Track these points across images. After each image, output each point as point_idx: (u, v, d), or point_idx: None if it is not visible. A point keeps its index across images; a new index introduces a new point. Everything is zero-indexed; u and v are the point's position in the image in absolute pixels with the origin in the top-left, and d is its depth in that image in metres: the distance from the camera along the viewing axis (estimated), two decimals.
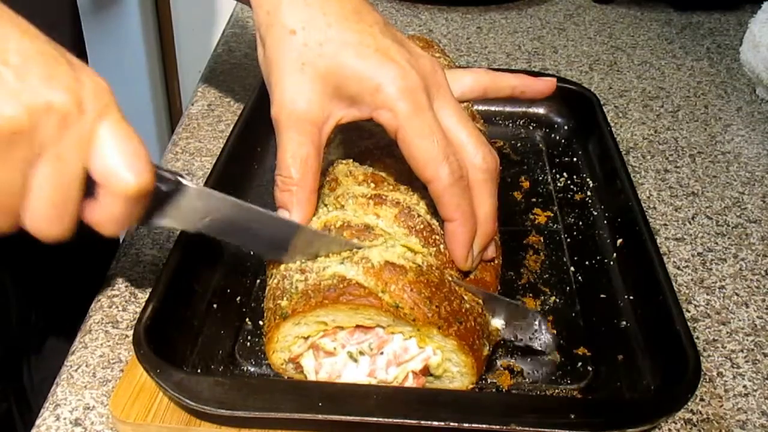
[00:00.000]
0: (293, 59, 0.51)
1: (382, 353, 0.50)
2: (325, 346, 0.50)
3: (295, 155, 0.51)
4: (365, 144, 0.62)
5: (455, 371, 0.51)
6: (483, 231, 0.52)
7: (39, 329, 0.79)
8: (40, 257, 0.79)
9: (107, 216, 0.43)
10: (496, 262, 0.57)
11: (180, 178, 0.47)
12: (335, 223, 0.52)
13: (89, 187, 0.42)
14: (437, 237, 0.53)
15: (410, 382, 0.50)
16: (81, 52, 0.78)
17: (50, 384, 0.82)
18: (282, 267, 0.52)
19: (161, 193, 0.46)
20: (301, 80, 0.51)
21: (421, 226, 0.53)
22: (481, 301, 0.53)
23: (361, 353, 0.50)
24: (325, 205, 0.55)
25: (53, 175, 0.40)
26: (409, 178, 0.56)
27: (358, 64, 0.50)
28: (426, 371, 0.51)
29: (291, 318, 0.49)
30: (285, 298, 0.50)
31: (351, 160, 0.59)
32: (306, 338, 0.51)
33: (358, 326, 0.50)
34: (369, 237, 0.51)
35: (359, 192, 0.55)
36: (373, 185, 0.56)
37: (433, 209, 0.54)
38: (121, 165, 0.42)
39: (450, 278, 0.51)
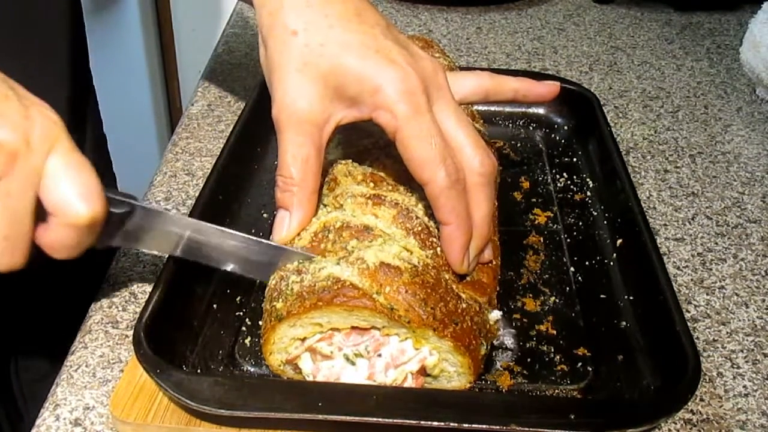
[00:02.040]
0: (294, 60, 0.51)
1: (379, 355, 0.50)
2: (322, 350, 0.50)
3: (296, 156, 0.51)
4: (364, 144, 0.62)
5: (452, 371, 0.51)
6: (479, 234, 0.52)
7: (27, 330, 0.79)
8: (39, 259, 0.79)
9: (60, 242, 0.44)
10: (494, 263, 0.56)
11: (133, 201, 0.48)
12: (334, 223, 0.52)
13: (42, 213, 0.43)
14: (434, 240, 0.53)
15: (409, 383, 0.50)
16: (82, 53, 0.78)
17: (40, 385, 0.81)
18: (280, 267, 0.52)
19: (115, 216, 0.48)
20: (302, 81, 0.51)
21: (419, 228, 0.53)
22: (479, 299, 0.53)
23: (358, 356, 0.50)
24: (325, 206, 0.55)
25: (3, 211, 0.41)
26: (407, 178, 0.56)
27: (358, 65, 0.50)
28: (423, 371, 0.51)
29: (286, 320, 0.49)
30: (280, 300, 0.50)
31: (350, 161, 0.59)
32: (302, 340, 0.51)
33: (354, 328, 0.50)
34: (368, 238, 0.51)
35: (358, 192, 0.55)
36: (372, 185, 0.56)
37: (432, 211, 0.54)
38: (73, 196, 0.42)
39: (447, 277, 0.51)
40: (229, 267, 0.54)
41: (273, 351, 0.51)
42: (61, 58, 0.71)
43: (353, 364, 0.50)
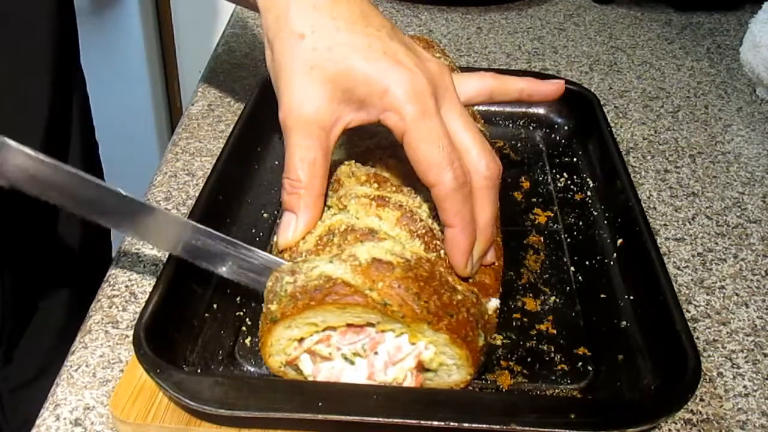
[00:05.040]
0: (302, 63, 0.51)
1: (376, 353, 0.50)
2: (320, 352, 0.50)
3: (303, 159, 0.51)
4: (367, 144, 0.62)
5: (451, 364, 0.51)
6: (483, 237, 0.52)
7: (15, 334, 0.78)
8: (39, 258, 0.79)
9: None
10: (496, 264, 0.56)
11: (5, 138, 0.48)
12: (339, 227, 0.52)
13: None
14: (438, 243, 0.52)
15: (409, 381, 0.50)
16: (69, 58, 0.77)
17: (21, 393, 0.80)
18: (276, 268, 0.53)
19: None
20: (309, 84, 0.51)
21: (423, 231, 0.53)
22: (476, 290, 0.53)
23: (357, 355, 0.50)
24: (329, 207, 0.55)
25: None
26: (411, 179, 0.56)
27: (366, 67, 0.50)
28: (422, 367, 0.51)
29: (281, 322, 0.49)
30: (275, 302, 0.50)
31: (353, 161, 0.59)
32: (300, 340, 0.51)
33: (349, 325, 0.50)
34: (373, 241, 0.51)
35: (362, 192, 0.55)
36: (375, 185, 0.56)
37: (435, 213, 0.54)
38: None
39: (441, 270, 0.51)
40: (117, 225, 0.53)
41: (272, 353, 0.51)
42: (42, 61, 0.70)
43: (352, 363, 0.50)
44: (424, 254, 0.51)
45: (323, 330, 0.50)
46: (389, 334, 0.50)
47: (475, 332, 0.50)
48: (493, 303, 0.54)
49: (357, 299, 0.47)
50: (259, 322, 0.52)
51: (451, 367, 0.51)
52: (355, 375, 0.50)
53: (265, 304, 0.52)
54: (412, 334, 0.49)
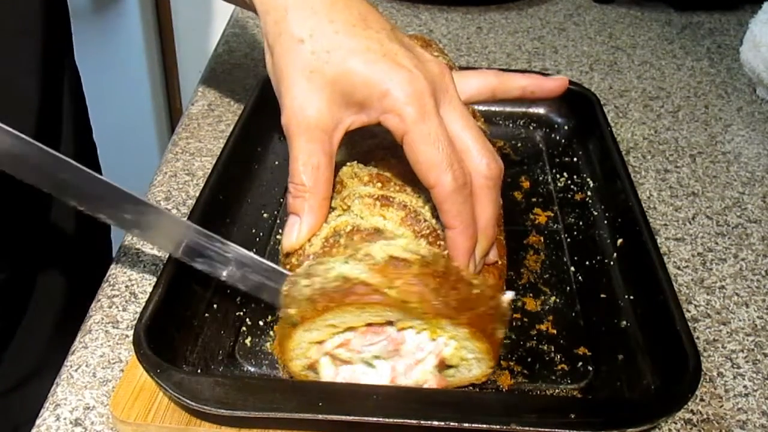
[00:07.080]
0: (301, 68, 0.51)
1: (398, 354, 0.50)
2: (341, 356, 0.50)
3: (306, 163, 0.51)
4: (368, 144, 0.62)
5: (471, 358, 0.50)
6: (484, 237, 0.52)
7: (6, 335, 0.78)
8: (31, 256, 0.78)
9: None
10: (499, 263, 0.56)
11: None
12: (344, 227, 0.52)
13: None
14: (442, 243, 0.52)
15: (431, 383, 0.50)
16: (57, 61, 0.76)
17: (15, 397, 0.80)
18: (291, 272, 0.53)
19: None
20: (309, 88, 0.51)
21: (427, 231, 0.53)
22: (492, 283, 0.53)
23: (378, 358, 0.50)
24: (333, 209, 0.55)
25: None
26: (414, 178, 0.56)
27: (365, 69, 0.50)
28: (443, 364, 0.51)
29: (300, 325, 0.49)
30: (293, 306, 0.50)
31: (356, 162, 0.59)
32: (320, 343, 0.51)
33: (369, 325, 0.50)
34: (383, 240, 0.51)
35: (365, 192, 0.55)
36: (379, 185, 0.56)
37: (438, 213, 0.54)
38: None
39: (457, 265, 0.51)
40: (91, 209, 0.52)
41: (292, 358, 0.51)
42: (30, 61, 0.69)
43: (373, 366, 0.50)
44: (439, 251, 0.51)
45: (343, 331, 0.50)
46: (409, 332, 0.50)
47: (494, 325, 0.50)
48: (508, 295, 0.54)
49: (376, 298, 0.47)
50: (275, 329, 0.52)
51: (471, 362, 0.51)
52: (377, 378, 0.50)
53: (282, 309, 0.51)
54: (432, 330, 0.49)
